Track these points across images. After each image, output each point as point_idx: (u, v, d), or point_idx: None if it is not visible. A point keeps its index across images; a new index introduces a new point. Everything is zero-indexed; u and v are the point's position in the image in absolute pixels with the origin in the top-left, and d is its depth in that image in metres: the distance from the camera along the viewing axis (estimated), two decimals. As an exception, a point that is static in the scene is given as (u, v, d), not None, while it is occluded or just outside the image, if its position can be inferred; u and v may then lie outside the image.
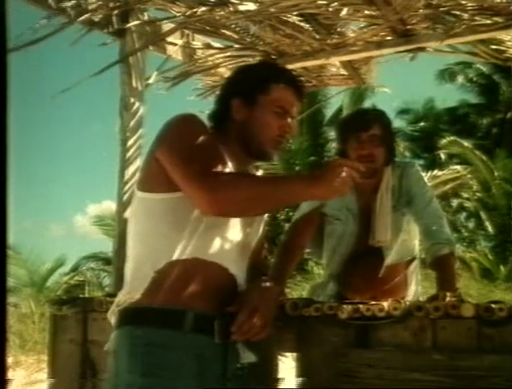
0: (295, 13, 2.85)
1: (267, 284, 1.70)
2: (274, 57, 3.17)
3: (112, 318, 1.66)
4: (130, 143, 2.90)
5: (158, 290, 1.57)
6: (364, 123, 2.52)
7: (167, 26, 3.08)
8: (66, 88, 2.71)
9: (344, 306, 1.73)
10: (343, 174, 1.53)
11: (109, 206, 14.59)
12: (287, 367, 1.91)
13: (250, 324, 1.57)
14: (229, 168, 1.64)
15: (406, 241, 2.60)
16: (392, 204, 2.53)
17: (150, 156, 1.64)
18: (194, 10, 2.72)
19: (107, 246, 14.40)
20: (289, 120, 1.72)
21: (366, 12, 2.81)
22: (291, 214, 12.67)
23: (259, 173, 1.87)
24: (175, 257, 1.57)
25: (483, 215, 13.94)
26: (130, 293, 1.61)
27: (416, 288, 2.68)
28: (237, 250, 1.66)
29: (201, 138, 1.59)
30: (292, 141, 13.61)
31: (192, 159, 1.55)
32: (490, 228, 13.77)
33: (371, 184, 2.53)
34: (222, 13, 2.75)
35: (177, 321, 1.55)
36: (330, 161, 1.64)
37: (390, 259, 2.55)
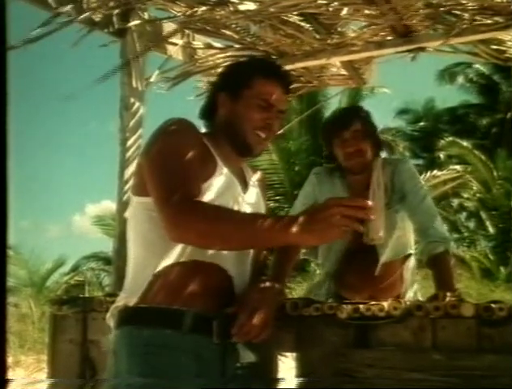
0: (295, 13, 2.85)
1: (267, 284, 1.69)
2: (274, 57, 3.17)
3: (110, 321, 1.66)
4: (129, 142, 2.90)
5: (157, 291, 1.57)
6: (344, 121, 2.55)
7: (167, 25, 3.08)
8: (72, 93, 2.71)
9: (344, 306, 1.73)
10: (338, 217, 1.38)
11: (109, 205, 14.61)
12: (287, 367, 1.91)
13: (250, 326, 1.56)
14: (220, 170, 1.64)
15: (400, 237, 2.60)
16: (385, 202, 2.52)
17: (139, 163, 1.66)
18: (195, 9, 2.73)
19: (107, 246, 14.42)
20: (274, 113, 1.71)
21: (366, 12, 2.81)
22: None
23: (257, 175, 1.86)
24: (174, 260, 1.57)
25: (483, 215, 13.94)
26: (129, 297, 1.61)
27: (413, 284, 2.68)
28: (236, 251, 1.66)
29: (185, 152, 1.57)
30: (290, 141, 13.65)
31: (166, 179, 1.54)
32: (490, 229, 13.77)
33: (362, 180, 2.54)
34: (222, 13, 2.76)
35: (176, 321, 1.55)
36: (324, 202, 1.44)
37: (385, 257, 2.55)
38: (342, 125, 2.53)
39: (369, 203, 1.43)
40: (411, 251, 2.68)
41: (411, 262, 2.69)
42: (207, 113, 1.78)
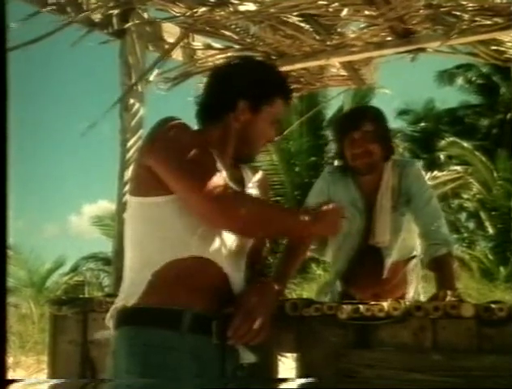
0: (295, 13, 2.85)
1: (266, 284, 1.70)
2: (274, 57, 3.17)
3: (110, 322, 1.66)
4: (130, 143, 2.90)
5: (155, 291, 1.57)
6: (354, 122, 2.54)
7: (167, 26, 3.08)
8: (90, 125, 2.68)
9: (344, 306, 1.73)
10: (336, 217, 1.78)
11: (106, 206, 14.58)
12: (287, 367, 1.91)
13: (246, 328, 1.56)
14: (221, 171, 1.64)
15: (406, 239, 2.60)
16: (391, 204, 2.53)
17: (141, 164, 1.63)
18: (195, 10, 2.72)
19: (105, 246, 14.40)
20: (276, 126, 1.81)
21: (366, 12, 2.81)
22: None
23: (258, 176, 1.86)
24: (172, 258, 1.57)
25: (483, 215, 13.93)
26: (127, 298, 1.61)
27: (416, 286, 2.69)
28: (234, 248, 1.65)
29: (194, 146, 1.58)
30: (291, 142, 13.65)
31: (193, 171, 1.56)
32: (490, 229, 13.76)
33: (372, 181, 2.55)
34: (222, 13, 2.75)
35: (175, 321, 1.56)
36: (324, 204, 1.80)
37: (390, 259, 2.55)
38: (352, 125, 2.53)
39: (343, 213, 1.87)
40: (416, 253, 2.68)
41: (416, 263, 2.69)
42: (216, 113, 1.74)
